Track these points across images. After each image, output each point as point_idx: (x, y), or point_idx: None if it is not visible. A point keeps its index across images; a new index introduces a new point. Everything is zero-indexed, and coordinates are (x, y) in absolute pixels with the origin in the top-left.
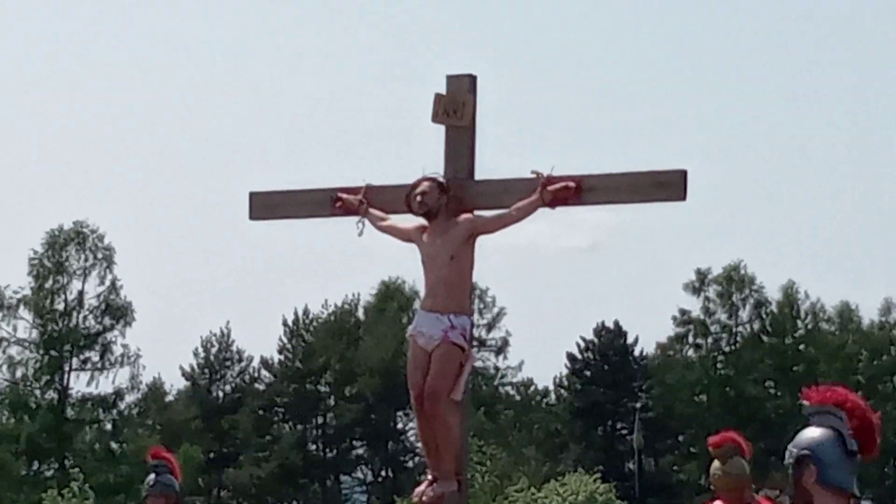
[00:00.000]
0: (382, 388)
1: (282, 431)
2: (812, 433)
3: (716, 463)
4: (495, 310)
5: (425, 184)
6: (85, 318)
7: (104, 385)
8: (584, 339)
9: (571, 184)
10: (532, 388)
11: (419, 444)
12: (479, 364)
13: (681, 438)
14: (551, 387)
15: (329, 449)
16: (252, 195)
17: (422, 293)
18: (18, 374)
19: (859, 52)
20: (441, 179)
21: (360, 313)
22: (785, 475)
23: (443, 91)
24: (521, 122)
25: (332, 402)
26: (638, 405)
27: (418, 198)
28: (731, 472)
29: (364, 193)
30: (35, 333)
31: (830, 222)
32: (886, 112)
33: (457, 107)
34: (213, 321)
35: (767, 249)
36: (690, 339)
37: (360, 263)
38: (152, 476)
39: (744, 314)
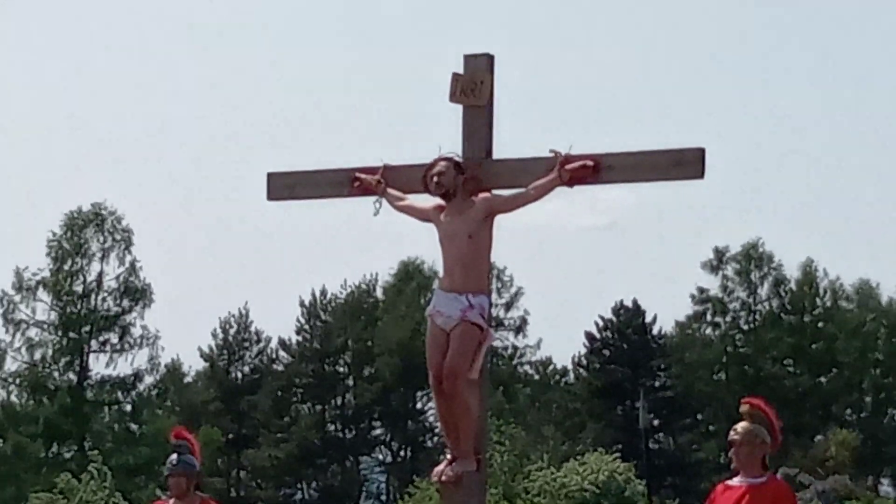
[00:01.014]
0: (401, 368)
1: (300, 412)
2: None
3: (743, 422)
4: (513, 289)
5: (441, 164)
6: (104, 299)
7: (123, 367)
8: (602, 318)
9: (589, 162)
10: (550, 367)
11: (438, 424)
12: (497, 343)
13: (699, 417)
14: (570, 366)
15: (348, 429)
16: (270, 175)
17: (440, 273)
18: (37, 355)
19: (877, 28)
20: (458, 159)
21: (379, 293)
22: (804, 453)
23: (460, 70)
24: (538, 101)
25: (350, 382)
26: (647, 385)
27: (435, 178)
28: (751, 431)
29: (382, 173)
30: (54, 315)
31: (849, 200)
32: None
33: (474, 86)
34: (232, 302)
35: (786, 227)
36: (709, 317)
37: (379, 243)
38: (175, 455)
39: (762, 292)
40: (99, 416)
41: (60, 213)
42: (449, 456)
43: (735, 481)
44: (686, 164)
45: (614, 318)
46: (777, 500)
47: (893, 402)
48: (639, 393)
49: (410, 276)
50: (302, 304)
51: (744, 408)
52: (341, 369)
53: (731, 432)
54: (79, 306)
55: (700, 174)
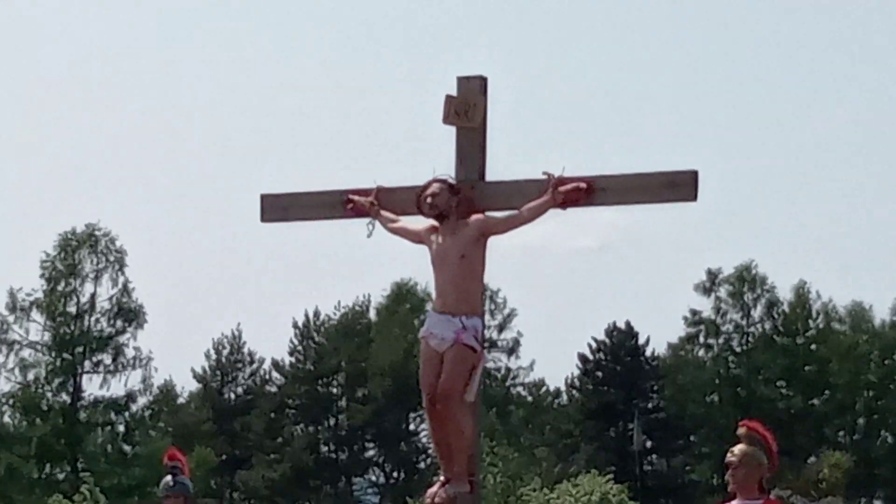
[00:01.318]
0: (394, 389)
1: (293, 433)
2: None
3: (740, 445)
4: (507, 310)
5: (435, 185)
6: (97, 320)
7: (116, 388)
8: (595, 340)
9: (583, 184)
10: (544, 388)
11: (431, 446)
12: (490, 365)
13: (693, 439)
14: (563, 387)
15: (341, 450)
16: (263, 197)
17: (434, 295)
18: (31, 376)
19: (871, 53)
20: (451, 181)
21: (372, 315)
22: (797, 475)
23: (454, 93)
24: (532, 123)
25: (343, 403)
26: (640, 406)
27: (429, 199)
28: (748, 454)
29: (375, 195)
30: (47, 336)
31: (842, 222)
32: None
33: (468, 108)
34: (225, 323)
35: (779, 249)
36: (702, 339)
37: (372, 265)
38: (170, 477)
39: (755, 314)
40: (92, 437)
41: (54, 233)
42: (442, 477)
43: None
44: (679, 187)
45: (607, 340)
46: None
47: (886, 424)
48: (632, 414)
49: (404, 298)
50: (295, 325)
51: (741, 430)
52: (334, 390)
53: (729, 454)
54: (72, 327)
55: (693, 197)
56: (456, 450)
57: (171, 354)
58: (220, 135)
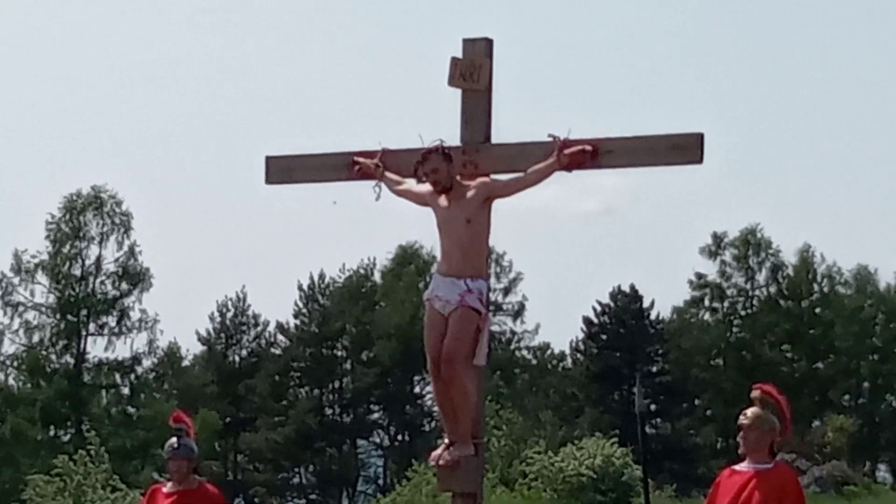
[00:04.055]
0: (399, 352)
1: (298, 396)
2: None
3: (753, 407)
4: (512, 274)
5: (433, 159)
6: (102, 283)
7: (121, 350)
8: (600, 303)
9: (588, 147)
10: (548, 352)
11: (436, 409)
12: (495, 328)
13: (697, 402)
14: (567, 351)
15: (346, 413)
16: (268, 159)
17: (439, 257)
18: (35, 338)
19: (878, 15)
20: (445, 148)
21: (377, 277)
22: (801, 439)
23: (459, 55)
24: (537, 85)
25: (348, 366)
26: (645, 370)
27: (431, 177)
28: (761, 417)
29: (380, 157)
30: (52, 298)
31: (847, 186)
32: None
33: (473, 70)
34: (229, 286)
35: (784, 213)
36: (707, 302)
37: (377, 227)
38: (175, 439)
39: (760, 278)
40: (96, 399)
41: (60, 196)
42: (447, 440)
43: (742, 466)
44: (685, 149)
45: (612, 304)
46: (783, 487)
47: (890, 388)
48: (636, 378)
49: (409, 261)
50: (300, 287)
51: (755, 393)
52: (339, 353)
53: (741, 416)
54: (77, 289)
55: (699, 159)
56: (461, 412)
57: (175, 317)
58: (226, 97)
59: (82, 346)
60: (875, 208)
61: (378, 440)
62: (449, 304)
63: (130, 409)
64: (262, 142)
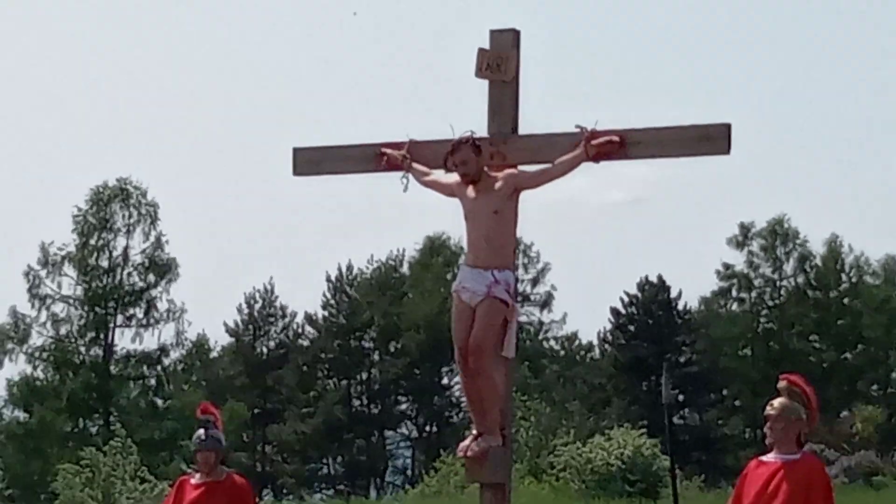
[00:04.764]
0: (427, 343)
1: (326, 387)
2: None
3: (780, 398)
4: (539, 265)
5: (463, 151)
6: (129, 274)
7: (149, 341)
8: (627, 294)
9: (615, 138)
10: (576, 342)
11: (464, 400)
12: (523, 319)
13: (725, 392)
14: (595, 341)
15: (373, 404)
16: (296, 151)
17: (466, 249)
18: (63, 330)
19: None
20: (475, 139)
21: (405, 269)
22: (830, 429)
23: (486, 46)
24: (564, 76)
25: (376, 357)
26: (672, 360)
27: (460, 168)
28: (788, 407)
29: (408, 149)
30: (80, 290)
31: (875, 175)
32: None
33: (500, 61)
34: (257, 277)
35: (811, 203)
36: (734, 293)
37: (405, 219)
38: (202, 431)
39: (788, 268)
40: (124, 390)
41: (86, 188)
42: (475, 431)
43: (769, 457)
44: (712, 140)
45: (639, 294)
46: (811, 478)
47: None
48: (666, 369)
49: (437, 252)
50: (328, 279)
51: (782, 384)
52: (367, 344)
53: (768, 407)
54: (104, 281)
55: (726, 150)
56: (488, 403)
57: (203, 308)
58: (254, 88)
59: (110, 337)
60: None
61: (406, 431)
62: (476, 296)
63: (158, 401)
64: (290, 133)
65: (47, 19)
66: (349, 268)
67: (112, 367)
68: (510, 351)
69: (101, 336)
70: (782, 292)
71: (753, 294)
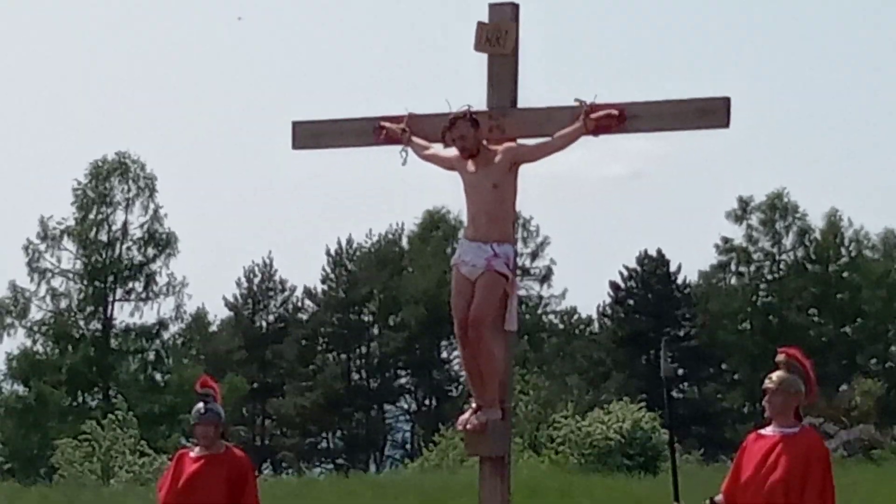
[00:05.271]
0: (426, 317)
1: (325, 361)
2: None
3: (778, 371)
4: (539, 239)
5: (460, 126)
6: (129, 248)
7: (148, 315)
8: (626, 268)
9: (615, 111)
10: (575, 316)
11: (463, 373)
12: (522, 293)
13: (724, 366)
14: (594, 315)
15: (373, 378)
16: (295, 124)
17: (466, 222)
18: (62, 304)
19: None
20: (472, 113)
21: (405, 242)
22: (829, 403)
23: (485, 19)
24: (564, 50)
25: (375, 331)
26: (671, 334)
27: (458, 143)
28: (786, 380)
29: (407, 122)
30: (79, 264)
31: (875, 149)
32: None
33: (500, 35)
34: (256, 251)
35: (810, 177)
36: (733, 267)
37: (405, 192)
38: (202, 404)
39: (787, 242)
40: (123, 364)
41: (86, 161)
42: (474, 405)
43: (768, 430)
44: (711, 113)
45: (639, 268)
46: (810, 451)
47: None
48: (666, 343)
49: (436, 226)
50: (328, 253)
51: (780, 357)
52: (367, 318)
53: (766, 380)
54: (104, 255)
55: (725, 123)
56: (488, 377)
57: (202, 282)
58: (253, 62)
59: (109, 311)
60: None
61: (405, 405)
62: (476, 269)
63: (157, 375)
64: (289, 106)
65: None
66: (349, 242)
67: (111, 342)
68: (512, 324)
69: (101, 310)
70: (781, 266)
71: (752, 268)
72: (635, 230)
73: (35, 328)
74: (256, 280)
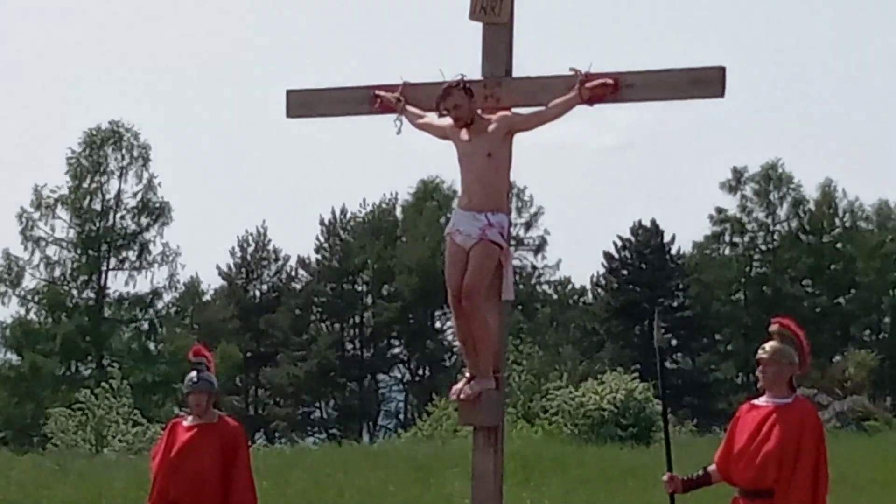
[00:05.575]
0: (420, 287)
1: (319, 331)
2: None
3: (771, 341)
4: (533, 209)
5: (454, 95)
6: (122, 217)
7: (142, 285)
8: (620, 238)
9: (609, 81)
10: (569, 286)
11: (457, 343)
12: (516, 263)
13: (717, 337)
14: (588, 285)
15: (366, 348)
16: (289, 93)
17: (460, 192)
18: (56, 273)
19: None
20: (466, 82)
21: (399, 212)
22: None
23: None
24: (559, 19)
25: (369, 301)
26: (665, 304)
27: (453, 112)
28: (779, 351)
29: (401, 91)
30: (73, 233)
31: (869, 120)
32: None
33: (495, 4)
34: (250, 220)
35: (805, 147)
36: (727, 237)
37: (398, 162)
38: (195, 373)
39: (781, 212)
40: (117, 334)
41: (80, 130)
42: (468, 374)
43: (761, 401)
44: (706, 83)
45: (632, 238)
46: (803, 422)
47: None
48: (660, 313)
49: (430, 195)
50: (321, 222)
51: (773, 327)
52: (360, 288)
53: (760, 351)
54: (97, 224)
55: (720, 93)
56: (482, 347)
57: (196, 251)
58: (246, 30)
59: (103, 280)
60: None
61: (399, 375)
62: (470, 239)
63: (151, 344)
64: (283, 75)
65: None
66: (342, 211)
67: (105, 311)
68: (509, 293)
69: (94, 279)
70: (775, 237)
71: (746, 238)
72: (629, 200)
73: (29, 297)
74: (250, 249)
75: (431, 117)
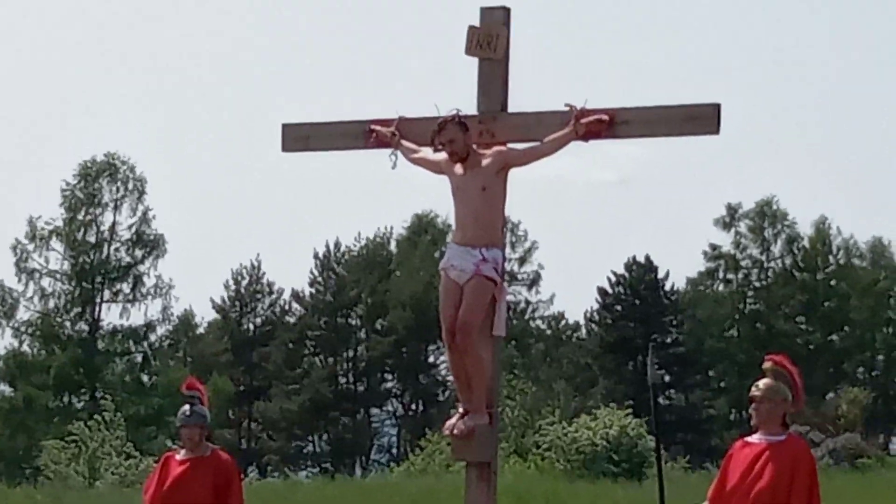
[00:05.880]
0: (414, 321)
1: (312, 365)
2: None
3: (765, 379)
4: (527, 244)
5: (449, 129)
6: (117, 249)
7: (135, 317)
8: (614, 274)
9: (605, 117)
10: (563, 322)
11: (450, 378)
12: (510, 298)
13: (711, 373)
14: (582, 321)
15: (360, 382)
16: (285, 127)
17: (454, 226)
18: (50, 305)
19: None
20: (461, 117)
21: (393, 246)
22: (815, 411)
23: (477, 23)
24: (554, 55)
25: (363, 335)
26: (659, 341)
27: (448, 147)
28: (773, 388)
29: (397, 125)
30: (67, 265)
31: (863, 158)
32: None
33: (490, 39)
34: (244, 253)
35: (800, 184)
36: (721, 274)
37: (393, 196)
38: (188, 406)
39: (775, 249)
40: (110, 366)
41: (75, 162)
42: (461, 409)
43: (754, 438)
44: (701, 120)
45: (627, 274)
46: (796, 459)
47: None
48: (653, 349)
49: (424, 230)
50: (316, 256)
51: (767, 364)
52: (354, 322)
53: (753, 388)
54: (91, 256)
55: (715, 130)
56: (475, 382)
57: (190, 284)
58: (242, 64)
59: (97, 312)
60: (891, 181)
61: (392, 409)
62: (464, 274)
63: (144, 377)
64: (279, 109)
65: None
66: (336, 245)
67: (99, 343)
68: (501, 329)
69: (88, 311)
70: (769, 274)
71: (740, 275)
72: (623, 236)
73: (22, 329)
74: (244, 282)
75: (426, 152)
